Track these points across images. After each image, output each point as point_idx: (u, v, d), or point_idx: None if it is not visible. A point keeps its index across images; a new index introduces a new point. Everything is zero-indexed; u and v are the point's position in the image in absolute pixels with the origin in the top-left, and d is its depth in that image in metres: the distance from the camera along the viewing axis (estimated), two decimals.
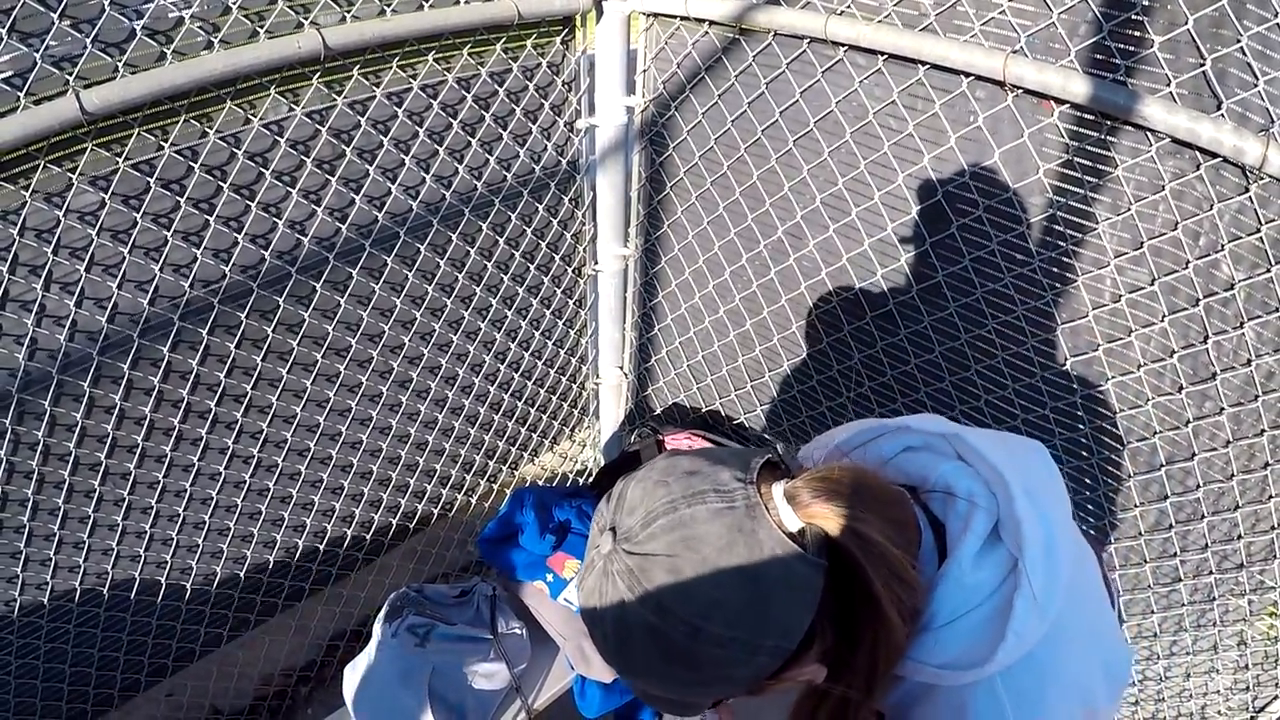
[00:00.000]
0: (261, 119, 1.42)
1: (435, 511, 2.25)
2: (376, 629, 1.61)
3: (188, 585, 1.79)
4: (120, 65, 1.23)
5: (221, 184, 1.42)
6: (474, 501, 2.33)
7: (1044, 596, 0.74)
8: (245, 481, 1.74)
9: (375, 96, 1.54)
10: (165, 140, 1.33)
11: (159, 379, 1.49)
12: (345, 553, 2.05)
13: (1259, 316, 1.29)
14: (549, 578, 1.89)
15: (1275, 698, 1.62)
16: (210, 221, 1.44)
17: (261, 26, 1.34)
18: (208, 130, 1.37)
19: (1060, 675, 0.77)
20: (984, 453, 0.82)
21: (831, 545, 0.71)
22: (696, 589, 0.69)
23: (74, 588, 1.61)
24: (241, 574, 1.87)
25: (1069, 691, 0.77)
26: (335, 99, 1.49)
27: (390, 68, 1.53)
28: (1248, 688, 1.65)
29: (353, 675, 1.59)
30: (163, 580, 1.74)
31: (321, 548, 2.00)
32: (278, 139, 1.46)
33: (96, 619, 1.68)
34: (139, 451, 1.54)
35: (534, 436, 2.39)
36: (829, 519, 0.72)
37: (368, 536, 2.09)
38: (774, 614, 0.69)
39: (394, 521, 2.13)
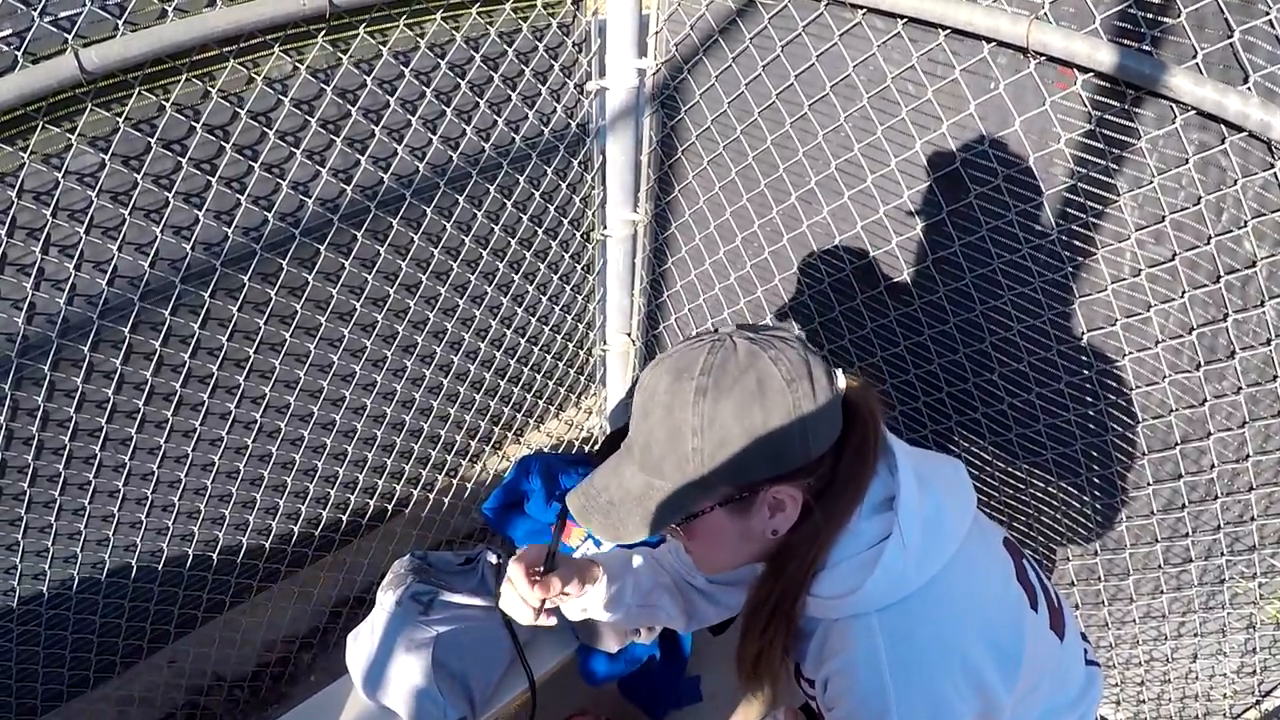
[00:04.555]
0: (265, 78, 1.38)
1: (439, 478, 2.23)
2: (380, 597, 1.60)
3: (189, 551, 1.79)
4: (120, 23, 1.19)
5: (224, 144, 1.39)
6: (478, 468, 2.32)
7: (919, 551, 0.92)
8: (247, 447, 1.73)
9: (381, 55, 1.50)
10: (166, 100, 1.29)
11: (160, 343, 1.47)
12: (349, 519, 2.04)
13: None
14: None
15: None
16: (212, 182, 1.41)
17: None
18: (210, 89, 1.33)
19: (932, 625, 0.92)
20: (895, 446, 1.00)
21: (854, 410, 0.95)
22: (753, 419, 0.87)
23: (74, 554, 1.61)
24: (244, 540, 1.86)
25: (941, 643, 0.92)
26: (340, 58, 1.46)
27: (397, 26, 1.49)
28: (1254, 671, 1.65)
29: (356, 644, 1.58)
30: (164, 547, 1.74)
31: (325, 514, 1.99)
32: (281, 98, 1.42)
33: (98, 585, 1.67)
34: (139, 416, 1.53)
35: (540, 403, 2.37)
36: (858, 391, 0.97)
37: (371, 503, 2.08)
38: (814, 416, 0.89)
39: (398, 488, 2.11)
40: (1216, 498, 1.49)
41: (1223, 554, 1.55)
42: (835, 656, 0.95)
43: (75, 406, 1.43)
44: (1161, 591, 1.67)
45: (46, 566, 1.58)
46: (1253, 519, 1.47)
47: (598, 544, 1.88)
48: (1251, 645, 1.62)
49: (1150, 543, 1.63)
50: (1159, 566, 1.64)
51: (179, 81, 1.30)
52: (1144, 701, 1.87)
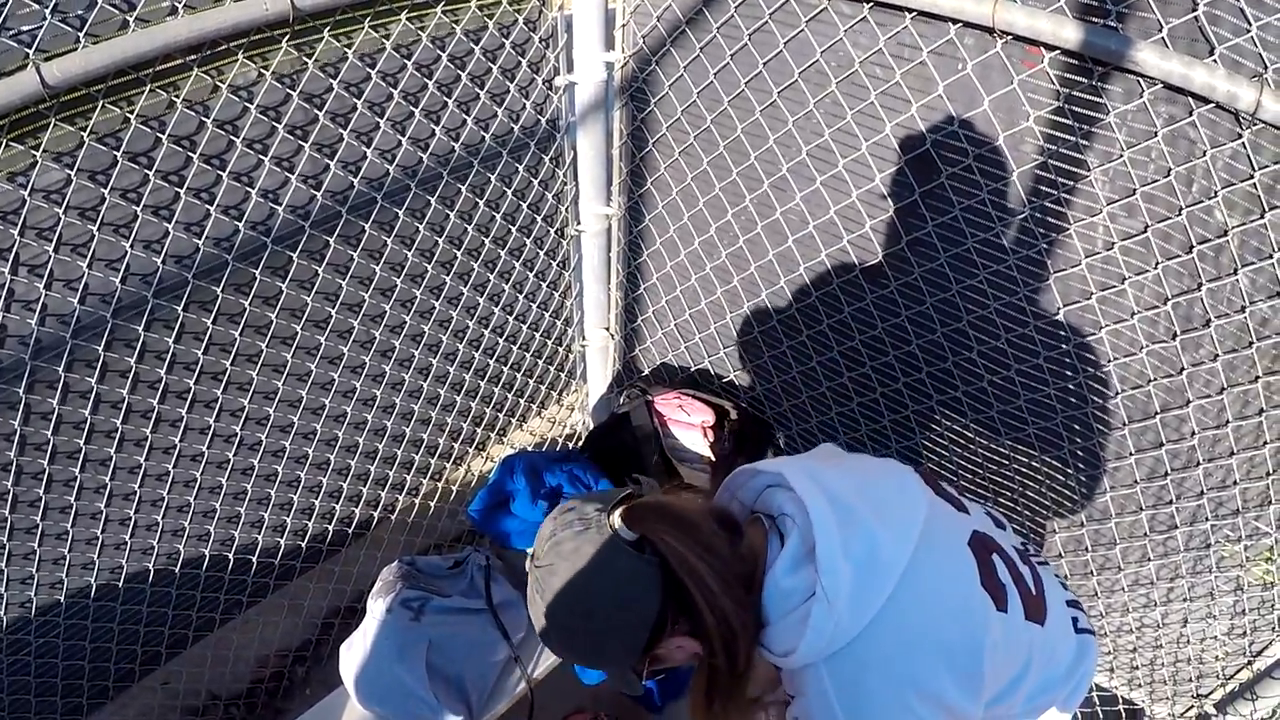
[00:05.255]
0: (230, 85, 1.36)
1: (424, 483, 2.22)
2: (370, 605, 1.59)
3: (176, 571, 1.76)
4: (81, 36, 1.16)
5: (191, 154, 1.37)
6: (463, 471, 2.31)
7: (851, 599, 0.93)
8: (229, 461, 1.71)
9: (347, 58, 1.48)
10: (131, 111, 1.27)
11: (135, 359, 1.45)
12: (335, 529, 2.02)
13: (1252, 263, 1.29)
14: None
15: (1272, 641, 1.64)
16: (181, 194, 1.38)
17: None
18: (175, 99, 1.31)
19: (880, 665, 0.95)
20: (805, 492, 1.02)
21: (658, 546, 0.98)
22: (573, 585, 0.97)
23: (60, 579, 1.58)
24: (230, 556, 1.84)
25: (891, 681, 0.95)
26: (306, 62, 1.43)
27: (362, 28, 1.47)
28: (1244, 632, 1.67)
29: (349, 654, 1.57)
30: (150, 567, 1.71)
31: (310, 525, 1.97)
32: (247, 105, 1.40)
33: (86, 610, 1.65)
34: (117, 435, 1.50)
35: (521, 402, 2.36)
36: (654, 525, 0.98)
37: (356, 511, 2.06)
38: (627, 596, 0.97)
39: (383, 494, 2.10)
40: (1198, 464, 1.51)
41: (1207, 519, 1.56)
42: (796, 700, 1.02)
43: (53, 429, 1.41)
44: (1149, 559, 1.69)
45: (32, 594, 1.55)
46: (1235, 483, 1.49)
47: None
48: (1240, 607, 1.64)
49: (1135, 511, 1.64)
50: (1145, 534, 1.65)
51: (143, 93, 1.27)
52: (1137, 668, 1.89)
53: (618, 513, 1.00)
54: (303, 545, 1.99)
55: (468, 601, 1.66)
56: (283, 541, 1.93)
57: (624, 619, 0.98)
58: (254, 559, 1.90)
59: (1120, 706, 1.95)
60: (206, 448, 1.65)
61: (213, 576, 1.84)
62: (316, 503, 1.95)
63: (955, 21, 1.36)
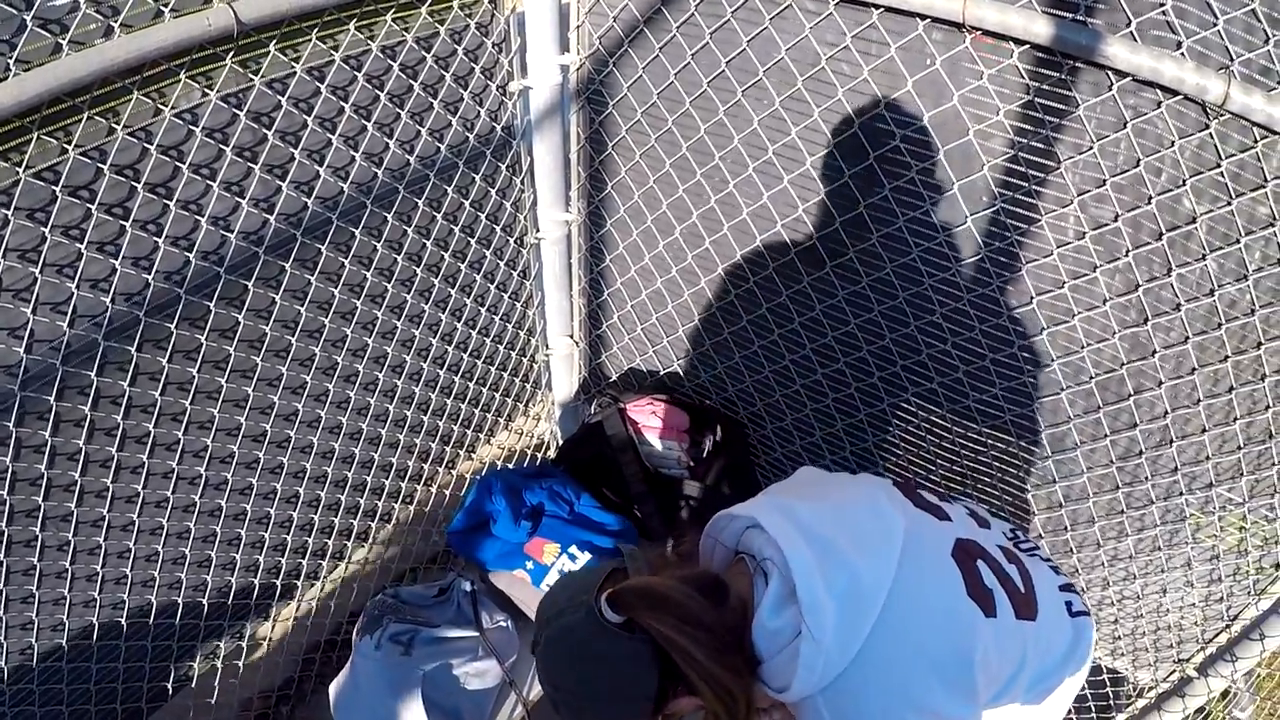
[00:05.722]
0: (173, 108, 1.28)
1: (395, 506, 2.15)
2: (357, 642, 1.53)
3: (149, 623, 1.67)
4: (11, 63, 1.08)
5: (135, 184, 1.28)
6: (434, 491, 2.24)
7: (837, 633, 0.95)
8: (195, 504, 1.62)
9: (295, 73, 1.41)
10: (69, 142, 1.18)
11: (89, 407, 1.36)
12: (309, 562, 1.95)
13: (1220, 248, 1.33)
14: (529, 565, 1.84)
15: (1248, 605, 1.68)
16: (126, 227, 1.30)
17: (166, 5, 1.19)
18: (115, 126, 1.23)
19: (874, 691, 0.97)
20: (779, 534, 1.04)
21: (645, 625, 0.99)
22: (573, 669, 1.03)
23: (30, 644, 1.49)
24: (204, 601, 1.76)
25: (889, 704, 0.97)
26: (252, 79, 1.36)
27: (309, 40, 1.40)
28: (1221, 598, 1.71)
29: (340, 694, 1.51)
30: (122, 622, 1.62)
31: (284, 561, 1.89)
32: (192, 129, 1.32)
33: (60, 673, 1.56)
34: (76, 489, 1.41)
35: (488, 416, 2.30)
36: (636, 609, 1.00)
37: (329, 542, 1.99)
38: (625, 675, 1.00)
39: (354, 522, 2.02)
40: (1172, 442, 1.55)
41: (1182, 494, 1.61)
42: None
43: (7, 488, 1.31)
44: (1126, 534, 1.72)
45: (2, 663, 1.45)
46: (1208, 458, 1.54)
47: (573, 559, 1.84)
48: (1216, 574, 1.68)
49: (1112, 490, 1.68)
50: (1122, 511, 1.69)
51: (80, 121, 1.19)
52: (1119, 638, 1.92)
53: (604, 598, 1.03)
54: (277, 583, 1.91)
55: (457, 629, 1.61)
56: (256, 580, 1.85)
57: (627, 694, 1.02)
58: (229, 602, 1.81)
59: (1104, 675, 1.98)
60: (171, 493, 1.57)
61: (188, 625, 1.75)
62: (288, 538, 1.87)
63: (924, 17, 1.35)
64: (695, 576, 1.09)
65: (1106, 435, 1.61)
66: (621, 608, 1.01)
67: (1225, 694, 1.84)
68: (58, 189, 1.20)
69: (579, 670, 1.03)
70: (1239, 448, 1.50)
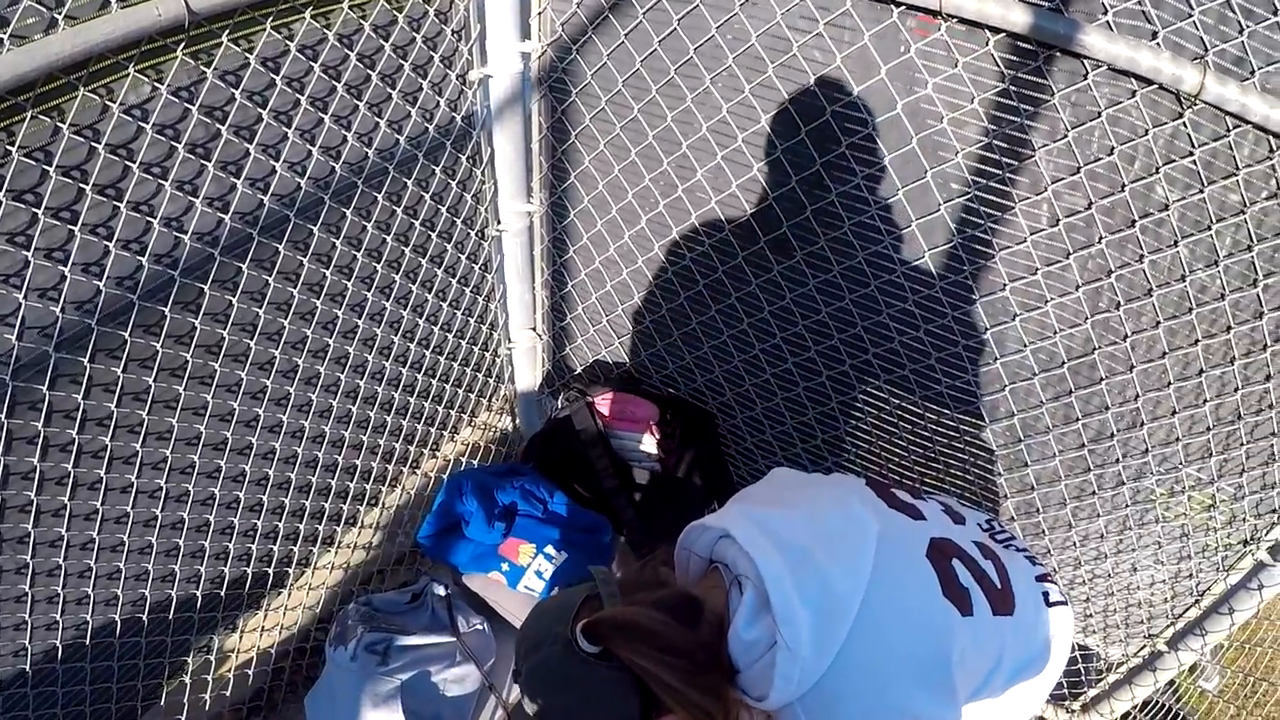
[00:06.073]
0: (121, 104, 1.21)
1: (360, 509, 2.10)
2: (331, 653, 1.48)
3: (114, 642, 1.60)
4: None
5: (83, 186, 1.21)
6: (399, 491, 2.19)
7: (812, 641, 0.96)
8: (156, 518, 1.55)
9: (249, 64, 1.34)
10: (11, 144, 1.11)
11: (41, 423, 1.28)
12: (275, 570, 1.88)
13: (1191, 235, 1.35)
14: (504, 567, 1.80)
15: (1216, 580, 1.73)
16: (75, 231, 1.22)
17: None
18: (60, 125, 1.15)
19: (852, 697, 0.97)
20: (751, 545, 1.04)
21: (619, 656, 1.00)
22: (556, 698, 1.04)
23: None
24: (169, 616, 1.69)
25: (867, 707, 0.98)
26: (204, 71, 1.29)
27: (264, 29, 1.33)
28: (1191, 575, 1.75)
29: (316, 707, 1.47)
30: (87, 643, 1.55)
31: (250, 570, 1.83)
32: (142, 125, 1.25)
33: (25, 700, 1.49)
34: (33, 509, 1.34)
35: (451, 413, 2.25)
36: (611, 640, 1.00)
37: (295, 548, 1.93)
38: (605, 702, 1.01)
39: (320, 527, 1.96)
40: (1142, 424, 1.58)
41: (1152, 474, 1.63)
42: None
43: None
44: (1098, 515, 1.75)
45: None
46: (1178, 439, 1.57)
47: (549, 559, 1.81)
48: (1185, 552, 1.72)
49: (1084, 472, 1.70)
50: (1093, 493, 1.71)
51: (23, 120, 1.11)
52: (1091, 616, 1.96)
53: (579, 628, 1.03)
54: (243, 593, 1.85)
55: (433, 635, 1.57)
56: (222, 592, 1.78)
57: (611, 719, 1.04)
58: (195, 615, 1.75)
59: (1076, 652, 2.02)
60: (131, 508, 1.49)
61: (154, 641, 1.69)
62: (253, 546, 1.80)
63: (900, 5, 1.34)
64: (667, 599, 1.08)
65: (1078, 418, 1.63)
66: (596, 639, 1.01)
67: (1192, 667, 1.89)
68: (1, 194, 1.12)
69: (562, 700, 1.04)
70: (1208, 429, 1.53)
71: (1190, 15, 1.17)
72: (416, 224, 1.83)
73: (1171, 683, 1.92)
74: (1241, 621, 1.71)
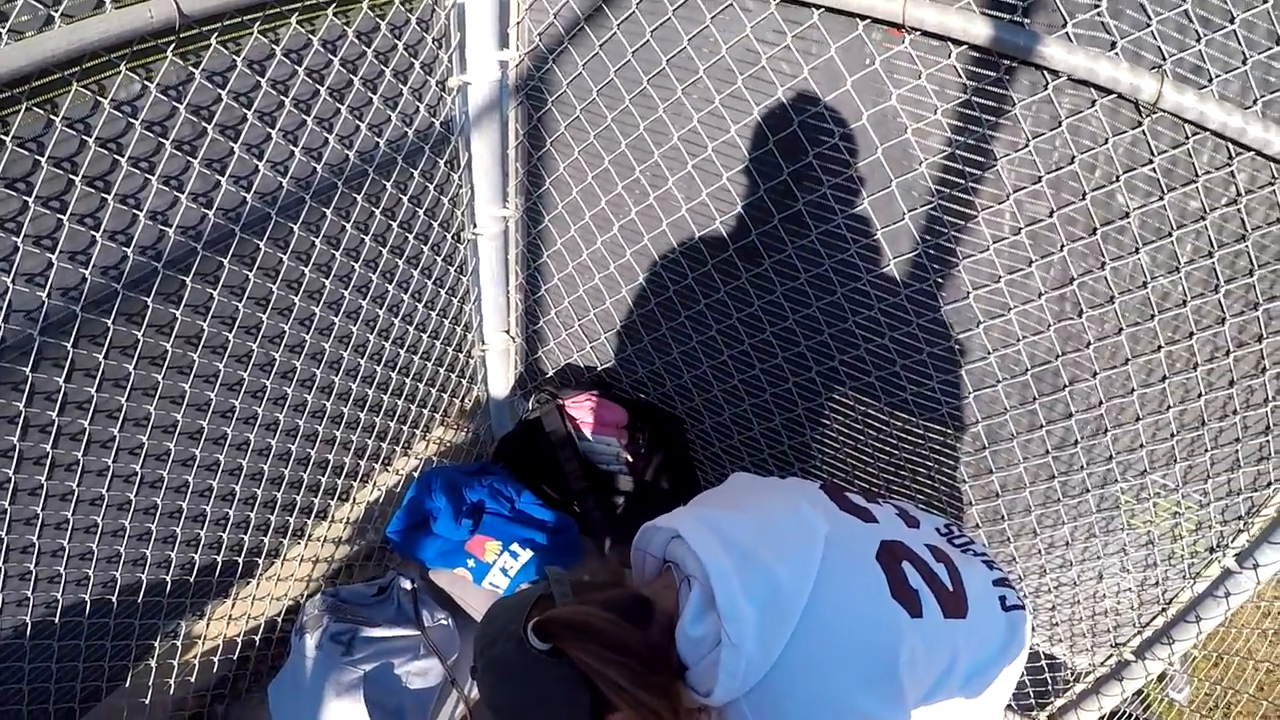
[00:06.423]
0: (112, 100, 1.25)
1: (331, 504, 2.13)
2: (296, 642, 1.51)
3: (84, 621, 1.63)
4: None
5: (73, 177, 1.25)
6: (370, 487, 2.22)
7: (757, 638, 0.98)
8: (130, 502, 1.59)
9: (236, 66, 1.39)
10: (5, 134, 1.15)
11: (23, 403, 1.32)
12: (245, 559, 1.91)
13: (1152, 242, 1.38)
14: (470, 563, 1.83)
15: (1183, 588, 1.75)
16: (63, 220, 1.27)
17: None
18: (53, 117, 1.20)
19: (797, 694, 1.00)
20: (698, 544, 1.07)
21: (569, 655, 1.02)
22: (510, 695, 1.06)
23: None
24: (139, 600, 1.71)
25: (811, 705, 1.00)
26: (192, 72, 1.34)
27: (250, 33, 1.38)
28: (1157, 583, 1.78)
29: (279, 693, 1.49)
30: (56, 621, 1.58)
31: (220, 558, 1.86)
32: (131, 121, 1.29)
33: None
34: (11, 486, 1.37)
35: (424, 412, 2.29)
36: (560, 638, 1.02)
37: (265, 539, 1.96)
38: (557, 700, 1.03)
39: (291, 519, 1.99)
40: (1106, 431, 1.60)
41: (1117, 481, 1.66)
42: None
43: None
44: (1063, 522, 1.77)
45: None
46: (1142, 446, 1.59)
47: (514, 556, 1.84)
48: (1151, 560, 1.74)
49: (1048, 479, 1.73)
50: (1058, 500, 1.74)
51: (19, 112, 1.16)
52: (1057, 624, 1.98)
53: (531, 626, 1.05)
54: (213, 580, 1.87)
55: (398, 628, 1.60)
56: (192, 579, 1.81)
57: (562, 716, 1.05)
58: (164, 600, 1.77)
59: (1042, 661, 2.04)
60: (106, 490, 1.53)
61: (122, 624, 1.71)
62: (224, 535, 1.83)
63: (864, 18, 1.38)
64: (616, 599, 1.11)
65: (1042, 425, 1.66)
66: (547, 637, 1.03)
67: (1162, 676, 1.90)
68: None
69: (514, 697, 1.06)
70: (1172, 435, 1.55)
71: (1149, 25, 1.20)
72: (394, 225, 1.87)
73: (1140, 692, 1.93)
74: (1209, 630, 1.72)
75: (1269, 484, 1.55)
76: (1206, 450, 1.55)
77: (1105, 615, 1.90)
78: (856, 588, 1.09)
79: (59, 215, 1.26)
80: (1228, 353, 1.43)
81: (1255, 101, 1.20)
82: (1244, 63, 1.19)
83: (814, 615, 1.02)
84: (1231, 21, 1.17)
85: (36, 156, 1.20)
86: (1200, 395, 1.49)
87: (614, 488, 2.10)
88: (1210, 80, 1.21)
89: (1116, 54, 1.23)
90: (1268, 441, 1.50)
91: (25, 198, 1.21)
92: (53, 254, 1.27)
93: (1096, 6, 1.22)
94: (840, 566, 1.08)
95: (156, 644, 1.83)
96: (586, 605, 1.07)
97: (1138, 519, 1.70)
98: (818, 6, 1.41)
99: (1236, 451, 1.54)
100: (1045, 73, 1.30)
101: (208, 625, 1.90)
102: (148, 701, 1.80)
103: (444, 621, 1.70)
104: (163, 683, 1.82)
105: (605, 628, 1.04)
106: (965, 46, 1.33)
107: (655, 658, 1.06)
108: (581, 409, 2.11)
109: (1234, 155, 1.26)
